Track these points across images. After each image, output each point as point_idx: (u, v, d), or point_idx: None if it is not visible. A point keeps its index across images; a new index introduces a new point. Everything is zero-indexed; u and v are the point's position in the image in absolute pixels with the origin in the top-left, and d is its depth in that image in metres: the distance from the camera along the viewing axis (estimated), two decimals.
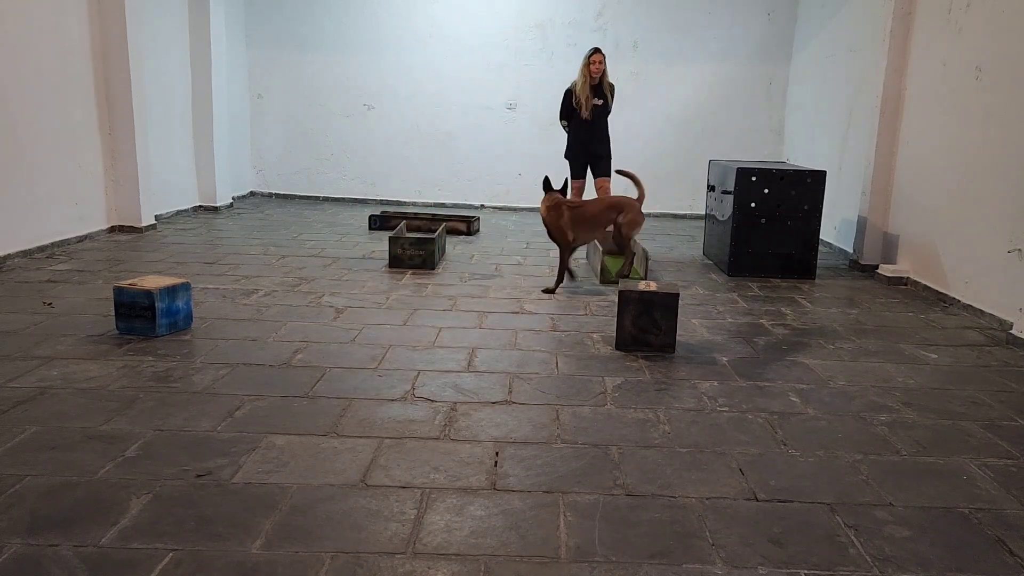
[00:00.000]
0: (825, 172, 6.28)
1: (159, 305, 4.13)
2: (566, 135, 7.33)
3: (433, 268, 6.15)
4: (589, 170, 7.31)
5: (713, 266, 6.77)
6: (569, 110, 7.18)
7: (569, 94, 7.19)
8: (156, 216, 7.67)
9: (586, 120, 7.06)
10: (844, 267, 6.87)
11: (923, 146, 6.07)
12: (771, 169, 6.37)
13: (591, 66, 6.94)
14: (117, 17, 6.87)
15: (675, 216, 9.81)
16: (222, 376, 3.61)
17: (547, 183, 5.79)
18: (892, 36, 6.34)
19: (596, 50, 7.01)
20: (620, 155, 7.43)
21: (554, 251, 7.20)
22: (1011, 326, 4.70)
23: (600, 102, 7.05)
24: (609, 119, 7.24)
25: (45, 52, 6.18)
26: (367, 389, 3.52)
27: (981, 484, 2.79)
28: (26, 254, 5.98)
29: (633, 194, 5.75)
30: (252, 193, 10.35)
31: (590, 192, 7.34)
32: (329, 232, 7.82)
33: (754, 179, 6.24)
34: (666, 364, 4.02)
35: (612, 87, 7.22)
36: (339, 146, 10.18)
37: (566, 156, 7.38)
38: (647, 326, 4.17)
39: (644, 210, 5.67)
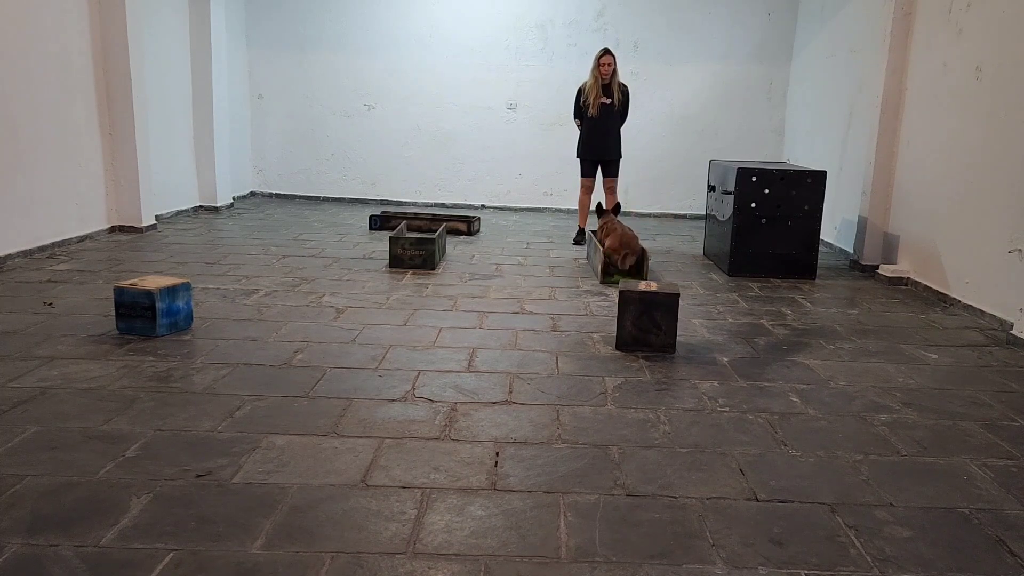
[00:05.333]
0: (825, 172, 6.28)
1: (159, 305, 4.13)
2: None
3: (433, 268, 6.15)
4: (600, 170, 7.41)
5: (713, 266, 6.77)
6: (580, 110, 7.27)
7: (580, 94, 7.28)
8: (156, 216, 7.67)
9: (595, 119, 7.16)
10: (844, 267, 6.87)
11: (923, 146, 6.07)
12: (771, 169, 6.36)
13: (600, 67, 7.03)
14: (117, 17, 6.87)
15: (675, 216, 9.81)
16: (222, 376, 3.61)
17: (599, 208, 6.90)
18: (892, 36, 6.33)
19: (606, 51, 7.11)
20: (623, 155, 7.46)
21: (553, 251, 7.26)
22: (1011, 326, 4.70)
23: (608, 101, 7.11)
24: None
25: (45, 52, 6.17)
26: (367, 389, 3.52)
27: (981, 484, 2.79)
28: (26, 254, 5.98)
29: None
30: (252, 193, 10.35)
31: (599, 191, 7.43)
32: (329, 232, 7.82)
33: (754, 179, 6.23)
34: (666, 364, 4.02)
35: (625, 89, 7.29)
36: (339, 146, 10.18)
37: (577, 155, 7.45)
38: (647, 326, 4.17)
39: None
